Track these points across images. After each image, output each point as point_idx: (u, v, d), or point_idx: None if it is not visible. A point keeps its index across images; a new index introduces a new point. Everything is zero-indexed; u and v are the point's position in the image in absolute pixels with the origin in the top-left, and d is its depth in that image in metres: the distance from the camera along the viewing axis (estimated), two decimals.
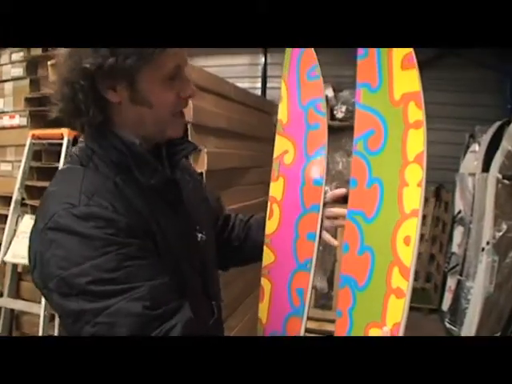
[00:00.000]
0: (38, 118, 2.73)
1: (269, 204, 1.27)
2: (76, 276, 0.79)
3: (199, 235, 1.06)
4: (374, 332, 0.94)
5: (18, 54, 2.80)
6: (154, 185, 0.92)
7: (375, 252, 0.99)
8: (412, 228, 0.91)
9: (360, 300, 1.00)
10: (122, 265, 0.80)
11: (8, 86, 2.90)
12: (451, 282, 3.97)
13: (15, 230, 2.61)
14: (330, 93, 3.83)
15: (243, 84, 4.43)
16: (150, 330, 0.80)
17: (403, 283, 0.90)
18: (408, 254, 0.91)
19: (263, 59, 5.20)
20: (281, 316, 1.20)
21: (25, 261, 2.51)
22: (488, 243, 3.21)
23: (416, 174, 0.93)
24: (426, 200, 4.68)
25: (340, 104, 3.66)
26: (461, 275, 3.71)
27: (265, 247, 1.24)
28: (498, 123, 3.59)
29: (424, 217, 4.68)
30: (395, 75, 1.01)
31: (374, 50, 1.06)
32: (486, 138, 3.61)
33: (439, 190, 4.68)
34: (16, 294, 2.73)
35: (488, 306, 3.17)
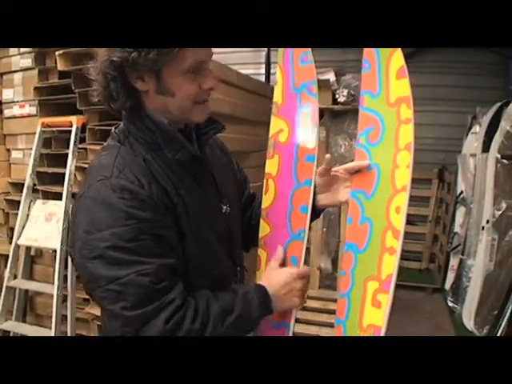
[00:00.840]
0: (47, 107, 2.81)
1: (265, 180, 1.36)
2: (97, 240, 0.91)
3: (224, 207, 1.17)
4: (371, 284, 1.12)
5: None
6: (180, 160, 1.03)
7: (373, 221, 1.17)
8: (402, 200, 1.11)
9: (360, 260, 1.18)
10: (137, 237, 0.91)
11: (18, 77, 2.99)
12: (454, 262, 4.03)
13: (28, 215, 2.70)
14: (332, 77, 3.84)
15: (247, 70, 4.48)
16: (152, 301, 0.92)
17: (395, 243, 1.09)
18: (399, 220, 1.10)
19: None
20: None
21: (37, 244, 2.63)
22: (488, 222, 3.26)
23: (405, 159, 1.13)
24: (430, 181, 4.74)
25: (342, 88, 3.66)
26: (463, 254, 3.77)
27: (261, 220, 1.33)
28: (497, 104, 3.62)
29: (427, 198, 4.74)
30: (391, 84, 1.20)
31: (376, 65, 1.23)
32: (486, 119, 3.65)
33: (442, 171, 4.70)
34: (29, 276, 2.84)
35: (488, 284, 3.23)
